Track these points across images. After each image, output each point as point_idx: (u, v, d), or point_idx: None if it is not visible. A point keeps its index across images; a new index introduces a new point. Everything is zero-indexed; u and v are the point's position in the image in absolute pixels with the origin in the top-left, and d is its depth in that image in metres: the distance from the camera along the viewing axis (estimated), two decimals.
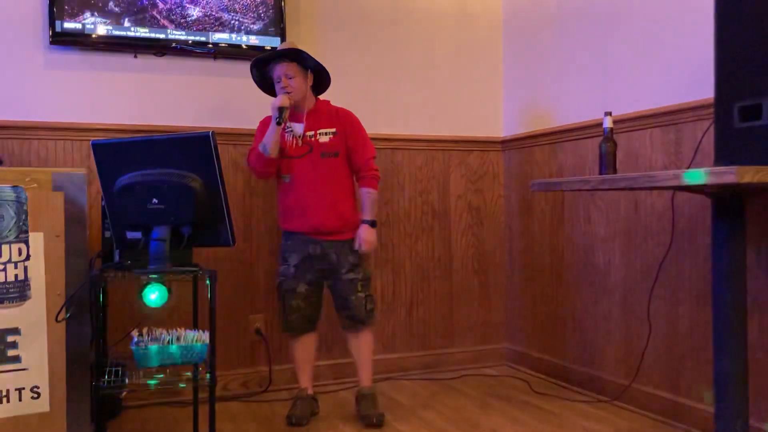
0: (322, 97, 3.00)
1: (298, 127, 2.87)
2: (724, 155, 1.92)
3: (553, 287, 3.54)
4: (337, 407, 3.09)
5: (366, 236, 2.86)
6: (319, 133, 2.87)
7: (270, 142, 2.76)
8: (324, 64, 2.85)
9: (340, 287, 2.89)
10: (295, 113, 2.88)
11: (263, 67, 2.91)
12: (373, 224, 2.89)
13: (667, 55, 2.85)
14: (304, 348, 2.96)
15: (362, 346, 2.97)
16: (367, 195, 2.91)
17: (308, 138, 2.86)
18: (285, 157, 2.85)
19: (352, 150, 2.91)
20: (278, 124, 2.72)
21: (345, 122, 2.91)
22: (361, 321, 2.90)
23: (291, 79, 2.81)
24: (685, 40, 2.76)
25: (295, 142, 2.86)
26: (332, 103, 2.99)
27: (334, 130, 2.89)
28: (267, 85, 2.96)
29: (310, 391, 2.96)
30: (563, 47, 3.48)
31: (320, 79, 2.92)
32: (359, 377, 3.00)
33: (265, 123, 2.91)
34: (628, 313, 3.05)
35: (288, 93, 2.79)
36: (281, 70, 2.82)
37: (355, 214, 2.93)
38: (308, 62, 2.85)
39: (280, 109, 2.73)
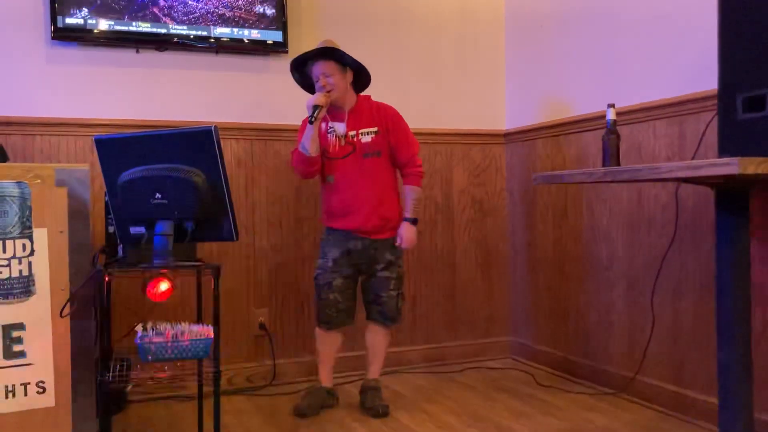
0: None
1: (340, 127, 2.88)
2: (727, 146, 1.91)
3: (557, 280, 3.54)
4: (341, 400, 3.09)
5: (407, 234, 2.90)
6: (361, 133, 2.88)
7: (308, 141, 2.78)
8: None
9: (373, 283, 2.94)
10: (337, 112, 2.90)
11: (302, 68, 2.92)
12: (414, 222, 2.94)
13: (671, 47, 2.84)
14: (332, 342, 2.98)
15: (381, 340, 3.01)
16: (411, 193, 2.94)
17: (350, 138, 2.88)
18: (328, 158, 2.88)
19: (395, 147, 2.92)
20: (311, 122, 2.73)
21: (386, 120, 2.92)
22: (391, 318, 2.96)
23: (329, 77, 2.81)
24: (689, 31, 2.75)
25: (337, 142, 2.88)
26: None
27: (375, 129, 2.90)
28: (309, 85, 2.95)
29: (327, 384, 2.98)
30: (565, 39, 3.47)
31: (360, 76, 2.92)
32: (369, 369, 3.04)
33: (303, 123, 2.89)
34: (632, 306, 3.05)
35: (328, 92, 2.79)
36: (319, 69, 2.83)
37: (398, 212, 2.96)
38: (346, 60, 2.85)
39: (315, 107, 2.73)
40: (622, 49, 3.10)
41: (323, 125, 2.89)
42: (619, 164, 2.56)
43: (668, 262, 2.83)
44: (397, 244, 2.91)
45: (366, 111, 2.93)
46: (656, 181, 2.83)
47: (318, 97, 2.75)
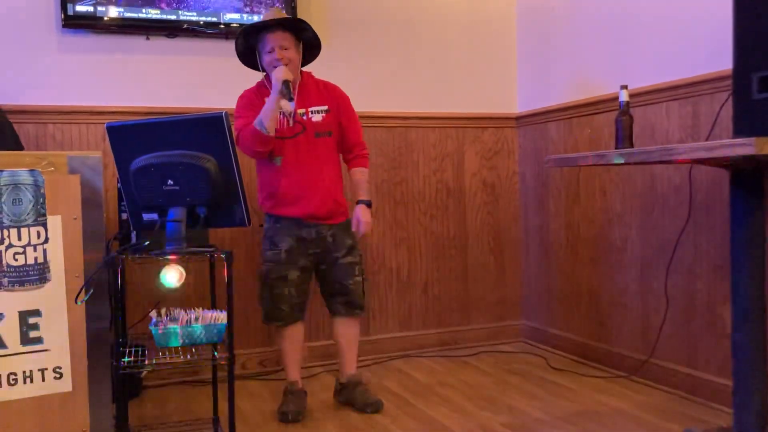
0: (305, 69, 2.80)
1: (288, 105, 2.59)
2: (742, 127, 1.89)
3: (570, 263, 3.52)
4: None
5: (366, 217, 2.71)
6: (311, 111, 2.69)
7: (269, 119, 2.53)
8: (336, 41, 2.75)
9: (336, 272, 2.74)
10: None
11: (251, 36, 2.68)
12: (369, 204, 2.77)
13: (684, 26, 2.81)
14: (294, 338, 2.78)
15: (353, 332, 2.83)
16: (363, 174, 2.79)
17: (300, 116, 2.66)
18: (276, 138, 2.62)
19: (345, 128, 2.76)
20: (291, 99, 2.52)
21: (337, 99, 2.75)
22: (359, 306, 2.78)
23: (286, 50, 2.60)
24: (703, 10, 2.71)
25: (285, 121, 2.64)
26: (332, 79, 2.84)
27: (326, 107, 2.71)
28: (247, 57, 2.74)
29: (300, 385, 2.81)
30: (578, 21, 3.43)
31: (308, 51, 2.74)
32: (346, 364, 2.84)
33: (246, 98, 2.70)
34: (645, 288, 3.03)
35: (284, 65, 2.57)
36: (276, 41, 2.60)
37: (344, 196, 2.81)
38: (307, 33, 2.65)
39: (287, 83, 2.51)
40: (635, 30, 3.06)
41: (266, 99, 2.62)
42: (632, 146, 2.55)
43: (682, 244, 2.82)
44: (354, 230, 2.72)
45: (313, 88, 2.73)
46: (670, 163, 2.81)
47: (285, 72, 2.53)
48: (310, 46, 2.73)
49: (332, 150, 2.75)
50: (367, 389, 2.83)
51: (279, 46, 2.61)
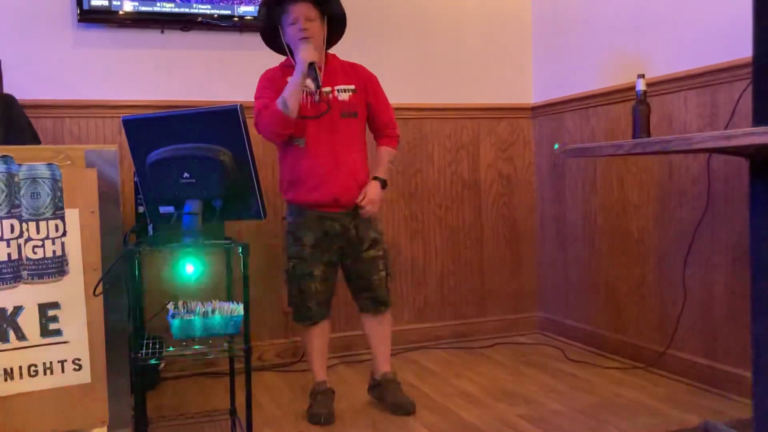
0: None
1: (312, 83, 2.49)
2: (762, 115, 1.86)
3: (586, 254, 3.50)
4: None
5: (373, 194, 2.56)
6: (337, 90, 2.56)
7: (293, 98, 2.41)
8: (351, 33, 2.66)
9: (360, 267, 2.63)
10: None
11: (273, 10, 2.54)
12: (384, 184, 2.62)
13: (702, 13, 2.77)
14: (322, 336, 2.68)
15: (385, 329, 2.73)
16: (387, 154, 2.67)
17: (325, 95, 2.52)
18: (298, 117, 2.48)
19: (375, 109, 2.65)
20: (317, 85, 2.42)
21: (365, 79, 2.64)
22: (383, 303, 2.67)
23: (311, 21, 2.47)
24: None
25: (309, 99, 2.50)
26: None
27: (353, 87, 2.59)
28: (268, 35, 2.61)
29: (328, 384, 2.69)
30: (594, 9, 3.40)
31: (331, 31, 2.61)
32: (379, 362, 2.74)
33: (269, 78, 2.58)
34: (663, 280, 3.01)
35: (306, 38, 2.44)
36: (300, 11, 2.46)
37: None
38: (333, 8, 2.54)
39: (312, 65, 2.40)
40: (653, 18, 3.03)
41: (288, 79, 2.49)
42: (649, 136, 2.52)
43: (700, 235, 2.79)
44: (358, 201, 2.55)
45: (339, 67, 2.62)
46: (688, 152, 2.78)
47: (311, 52, 2.39)
48: (334, 24, 2.61)
49: (357, 132, 2.62)
50: (400, 389, 2.70)
51: (304, 17, 2.46)
